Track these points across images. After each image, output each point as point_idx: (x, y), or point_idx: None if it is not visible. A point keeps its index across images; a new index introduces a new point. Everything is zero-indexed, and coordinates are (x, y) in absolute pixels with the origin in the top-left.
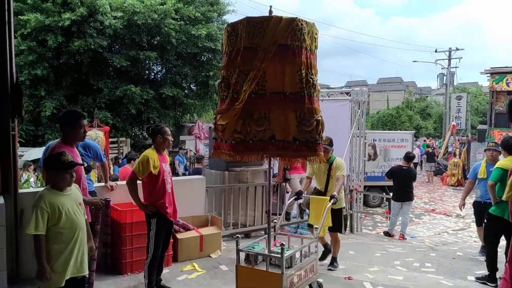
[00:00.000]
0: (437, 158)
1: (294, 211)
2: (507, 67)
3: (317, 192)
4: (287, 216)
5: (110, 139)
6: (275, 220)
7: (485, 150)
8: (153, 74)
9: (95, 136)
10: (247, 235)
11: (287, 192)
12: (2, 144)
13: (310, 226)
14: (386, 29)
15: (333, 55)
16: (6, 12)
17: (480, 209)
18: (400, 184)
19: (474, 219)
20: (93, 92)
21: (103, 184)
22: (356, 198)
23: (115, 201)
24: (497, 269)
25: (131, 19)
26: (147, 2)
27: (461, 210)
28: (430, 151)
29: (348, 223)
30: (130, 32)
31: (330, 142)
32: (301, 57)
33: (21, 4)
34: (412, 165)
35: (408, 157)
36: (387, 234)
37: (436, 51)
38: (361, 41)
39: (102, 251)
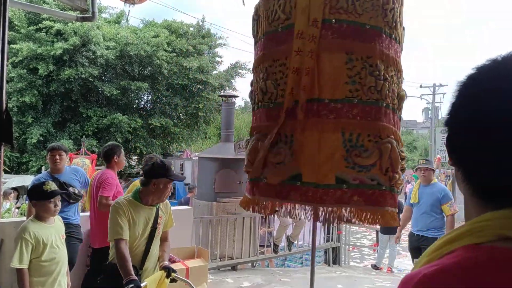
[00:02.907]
0: None
1: (282, 243)
2: None
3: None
4: (275, 248)
5: (96, 167)
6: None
7: (415, 169)
8: (142, 103)
9: (82, 163)
10: (233, 268)
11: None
12: None
13: None
14: None
15: None
16: (1, 42)
17: (413, 241)
18: None
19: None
20: (81, 120)
21: (88, 213)
22: (344, 230)
23: None
24: None
25: (124, 50)
26: (140, 34)
27: (396, 243)
28: None
29: (336, 256)
30: (122, 62)
31: (159, 167)
32: (372, 43)
33: (14, 33)
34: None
35: None
36: (375, 267)
37: (421, 86)
38: None
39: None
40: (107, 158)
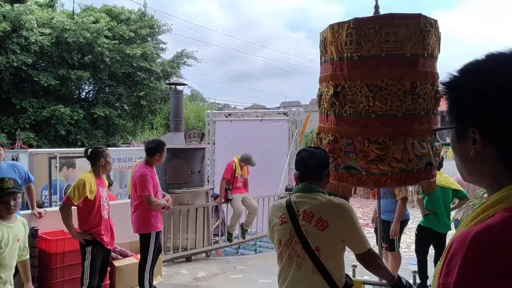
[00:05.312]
0: None
1: (236, 231)
2: None
3: None
4: (229, 237)
5: None
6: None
7: None
8: (84, 93)
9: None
10: (188, 259)
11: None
12: None
13: None
14: (317, 51)
15: (268, 76)
16: None
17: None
18: None
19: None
20: (15, 112)
21: (29, 211)
22: None
23: (44, 229)
24: (427, 277)
25: (61, 36)
26: (78, 20)
27: (372, 224)
28: None
29: None
30: (59, 49)
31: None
32: (432, 69)
33: None
34: None
35: None
36: None
37: None
38: (294, 63)
39: None
40: (149, 153)
